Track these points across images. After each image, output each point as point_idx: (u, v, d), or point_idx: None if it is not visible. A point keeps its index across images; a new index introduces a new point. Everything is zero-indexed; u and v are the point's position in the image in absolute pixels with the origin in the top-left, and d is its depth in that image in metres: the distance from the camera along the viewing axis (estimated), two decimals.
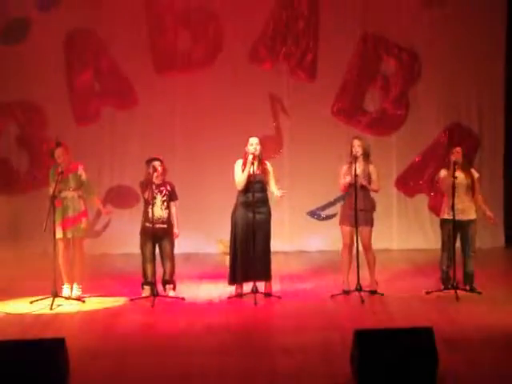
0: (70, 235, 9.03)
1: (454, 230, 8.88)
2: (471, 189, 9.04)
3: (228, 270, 8.99)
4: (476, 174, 9.15)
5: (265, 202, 8.92)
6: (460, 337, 7.13)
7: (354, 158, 8.86)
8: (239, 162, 8.88)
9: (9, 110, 12.33)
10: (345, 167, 9.02)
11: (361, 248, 9.03)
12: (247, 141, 8.89)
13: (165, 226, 8.99)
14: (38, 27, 12.18)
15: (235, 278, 8.89)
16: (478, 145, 12.46)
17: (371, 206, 9.08)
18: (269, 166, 8.98)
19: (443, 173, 9.08)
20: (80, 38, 12.28)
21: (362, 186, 8.89)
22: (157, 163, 8.98)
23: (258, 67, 12.38)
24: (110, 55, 12.32)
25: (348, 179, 8.85)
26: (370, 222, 9.04)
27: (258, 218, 8.77)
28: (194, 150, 12.28)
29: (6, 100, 12.27)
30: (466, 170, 9.08)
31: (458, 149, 9.08)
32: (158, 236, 8.98)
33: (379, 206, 9.38)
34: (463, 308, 8.33)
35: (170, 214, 9.04)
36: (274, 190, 8.90)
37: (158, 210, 8.95)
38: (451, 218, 8.82)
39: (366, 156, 9.04)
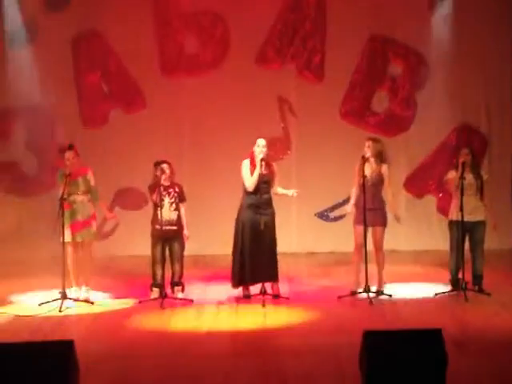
0: (79, 239, 9.04)
1: (463, 232, 8.85)
2: (480, 190, 9.01)
3: (232, 271, 8.95)
4: (485, 175, 9.12)
5: (270, 202, 8.94)
6: (469, 338, 7.11)
7: (363, 159, 8.85)
8: (247, 163, 8.89)
9: (17, 114, 12.35)
10: (358, 165, 8.98)
11: (371, 247, 9.00)
12: (255, 141, 8.93)
13: (174, 227, 9.00)
14: (45, 30, 12.20)
15: (243, 279, 8.88)
16: (486, 146, 12.42)
17: (383, 205, 9.04)
18: (275, 167, 9.00)
19: (451, 174, 9.05)
20: (88, 40, 12.30)
21: (373, 185, 8.85)
22: (165, 166, 9.01)
23: (265, 69, 12.38)
24: (117, 58, 12.34)
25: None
26: (382, 222, 8.98)
27: (265, 219, 8.78)
28: (202, 152, 12.27)
29: (14, 103, 12.28)
30: (475, 170, 9.05)
31: (467, 150, 9.05)
32: (167, 238, 8.99)
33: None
34: (472, 309, 8.31)
35: (179, 215, 9.06)
36: (282, 190, 8.93)
37: (167, 212, 8.94)
38: (460, 219, 8.80)
39: (378, 157, 8.99)
